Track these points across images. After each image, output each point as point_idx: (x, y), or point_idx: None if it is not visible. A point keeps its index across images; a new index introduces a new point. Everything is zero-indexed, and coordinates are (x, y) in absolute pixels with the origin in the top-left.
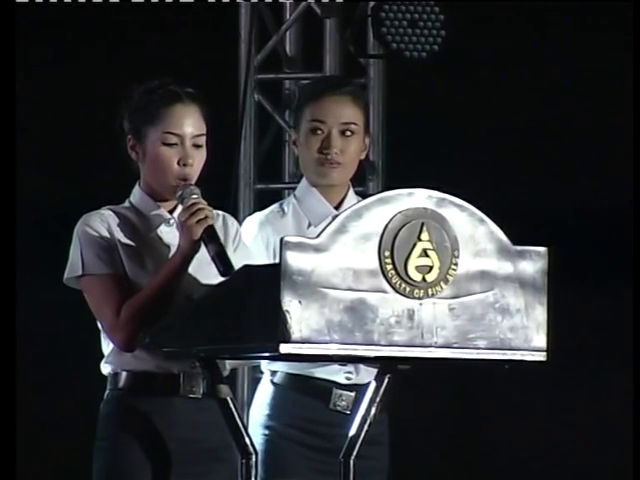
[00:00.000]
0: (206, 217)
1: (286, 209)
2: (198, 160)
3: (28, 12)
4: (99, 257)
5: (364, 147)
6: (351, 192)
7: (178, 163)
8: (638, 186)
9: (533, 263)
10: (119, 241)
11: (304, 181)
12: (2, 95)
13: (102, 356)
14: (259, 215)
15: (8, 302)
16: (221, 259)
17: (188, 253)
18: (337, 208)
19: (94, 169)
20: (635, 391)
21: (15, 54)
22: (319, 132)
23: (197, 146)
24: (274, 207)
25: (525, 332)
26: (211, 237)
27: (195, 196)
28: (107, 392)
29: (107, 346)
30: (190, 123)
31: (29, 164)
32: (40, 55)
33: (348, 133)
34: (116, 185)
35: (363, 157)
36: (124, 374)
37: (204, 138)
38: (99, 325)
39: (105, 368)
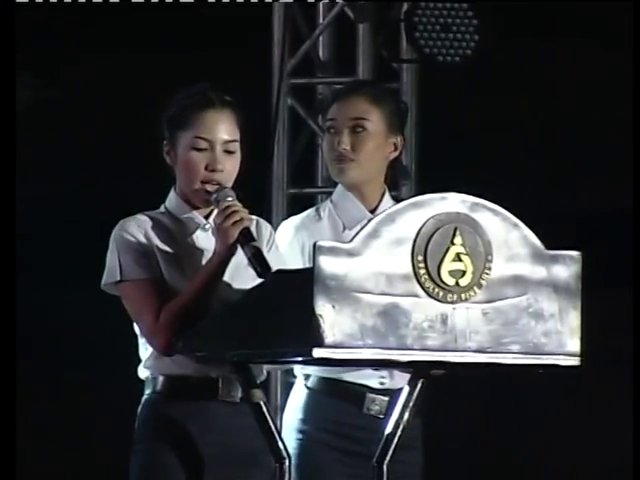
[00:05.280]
0: (242, 219)
1: (322, 213)
2: (230, 165)
3: (28, 12)
4: (137, 262)
5: (391, 147)
6: (387, 196)
7: (206, 168)
8: None
9: (567, 267)
10: (156, 246)
11: (340, 185)
12: (2, 95)
13: (139, 361)
14: (295, 219)
15: (47, 308)
16: (258, 260)
17: (225, 256)
18: (373, 212)
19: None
20: None
21: (15, 54)
22: (332, 130)
23: (229, 152)
24: (310, 211)
25: (559, 337)
26: (247, 239)
27: (230, 199)
28: (145, 396)
29: (145, 350)
30: (222, 129)
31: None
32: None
33: (359, 129)
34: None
35: (392, 158)
36: (162, 378)
37: (237, 144)
38: (137, 330)
39: (143, 372)
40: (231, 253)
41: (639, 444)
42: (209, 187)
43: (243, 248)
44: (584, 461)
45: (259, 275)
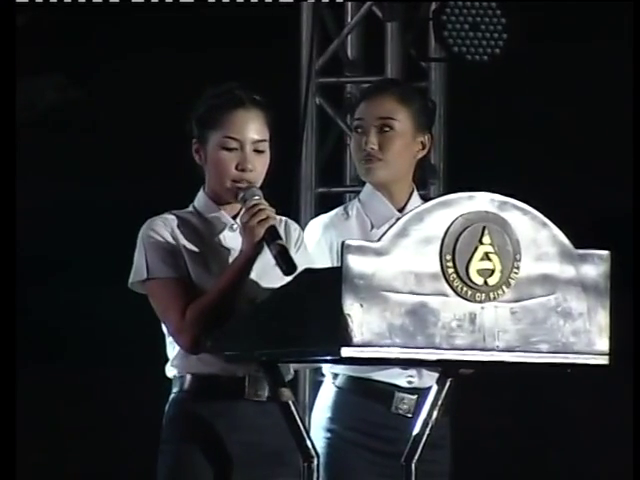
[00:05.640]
0: (267, 217)
1: (350, 212)
2: (260, 165)
3: (28, 12)
4: (164, 261)
5: (418, 146)
6: (415, 195)
7: (236, 168)
8: None
9: (595, 267)
10: (183, 245)
11: (369, 184)
12: (2, 95)
13: (167, 359)
14: (323, 218)
15: (79, 306)
16: (284, 258)
17: (251, 255)
18: (401, 211)
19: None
20: None
21: (15, 54)
22: (359, 130)
23: (259, 151)
24: (338, 210)
25: (588, 336)
26: (273, 237)
27: (257, 197)
28: (172, 395)
29: (172, 349)
30: (252, 128)
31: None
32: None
33: (386, 129)
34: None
35: (419, 156)
36: (189, 377)
37: (266, 144)
38: (164, 329)
39: (170, 371)
40: (257, 251)
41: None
42: (240, 185)
43: (269, 246)
44: (616, 460)
45: (285, 273)
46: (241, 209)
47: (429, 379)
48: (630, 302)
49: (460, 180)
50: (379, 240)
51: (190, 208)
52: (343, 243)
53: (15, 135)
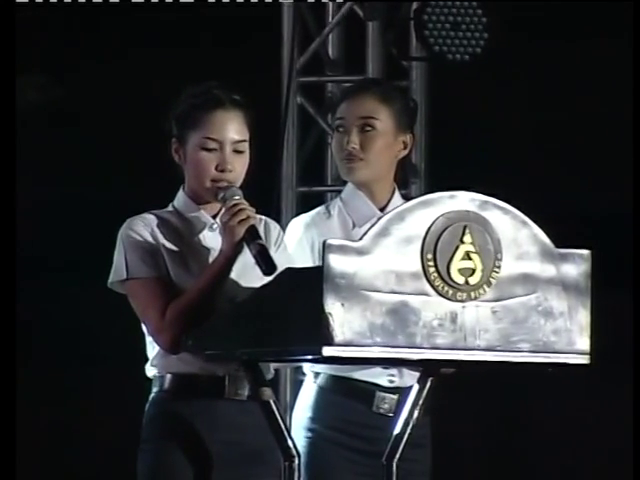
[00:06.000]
0: (248, 217)
1: (332, 211)
2: (240, 165)
3: (28, 12)
4: (143, 261)
5: (400, 146)
6: (397, 194)
7: (216, 168)
8: None
9: (576, 266)
10: (163, 245)
11: (350, 184)
12: (2, 95)
13: (147, 359)
14: (305, 217)
15: (55, 307)
16: (263, 258)
17: (231, 254)
18: (382, 210)
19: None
20: None
21: (15, 54)
22: (341, 129)
23: (238, 152)
24: (320, 209)
25: (568, 335)
26: (253, 237)
27: (237, 197)
28: (152, 394)
29: (152, 349)
30: (231, 129)
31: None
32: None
33: (368, 128)
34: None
35: (401, 156)
36: (169, 376)
37: (246, 144)
38: (144, 328)
39: (150, 371)
40: (237, 251)
41: (639, 444)
42: (220, 185)
43: (249, 246)
44: (594, 461)
45: (264, 273)
46: (221, 209)
47: (410, 378)
48: (612, 302)
49: (441, 179)
50: (360, 239)
51: (170, 208)
52: (324, 242)
53: (15, 135)
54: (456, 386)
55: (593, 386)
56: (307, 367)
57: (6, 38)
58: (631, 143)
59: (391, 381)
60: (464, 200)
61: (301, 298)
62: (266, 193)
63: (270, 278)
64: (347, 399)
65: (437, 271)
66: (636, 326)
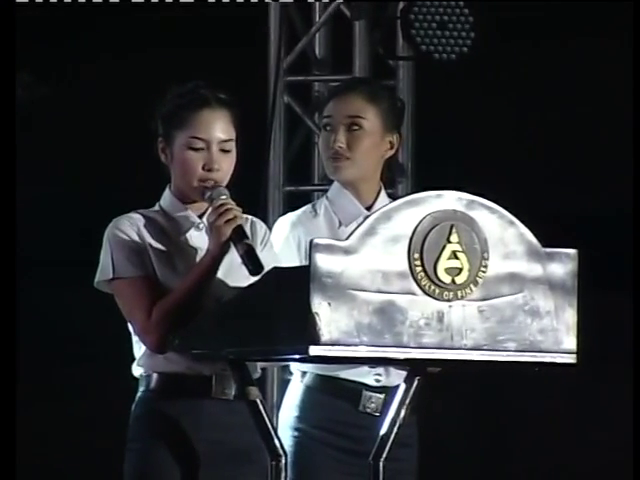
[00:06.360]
0: (234, 217)
1: (318, 210)
2: (227, 165)
3: (28, 12)
4: (129, 260)
5: (387, 145)
6: (383, 194)
7: (203, 168)
8: None
9: (563, 265)
10: (149, 244)
11: (336, 182)
12: (2, 95)
13: (133, 359)
14: (291, 215)
15: (42, 307)
16: (250, 258)
17: (217, 254)
18: (369, 209)
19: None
20: None
21: (15, 54)
22: (328, 128)
23: (225, 151)
24: (306, 208)
25: (555, 334)
26: (240, 237)
27: (224, 197)
28: (138, 394)
29: (139, 349)
30: (217, 128)
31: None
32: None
33: (355, 127)
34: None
35: (387, 156)
36: (155, 376)
37: (233, 143)
38: (130, 328)
39: (137, 370)
40: (224, 251)
41: (639, 444)
42: (207, 185)
43: (236, 246)
44: (581, 460)
45: (251, 273)
46: (207, 208)
47: (397, 378)
48: (600, 302)
49: (428, 179)
50: (347, 239)
51: (156, 207)
52: (311, 242)
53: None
54: (443, 385)
55: (582, 386)
56: (294, 366)
57: (6, 38)
58: (631, 143)
59: (378, 380)
60: (451, 199)
61: (288, 297)
62: (253, 192)
63: (256, 278)
64: (334, 398)
65: (424, 270)
66: (636, 326)
